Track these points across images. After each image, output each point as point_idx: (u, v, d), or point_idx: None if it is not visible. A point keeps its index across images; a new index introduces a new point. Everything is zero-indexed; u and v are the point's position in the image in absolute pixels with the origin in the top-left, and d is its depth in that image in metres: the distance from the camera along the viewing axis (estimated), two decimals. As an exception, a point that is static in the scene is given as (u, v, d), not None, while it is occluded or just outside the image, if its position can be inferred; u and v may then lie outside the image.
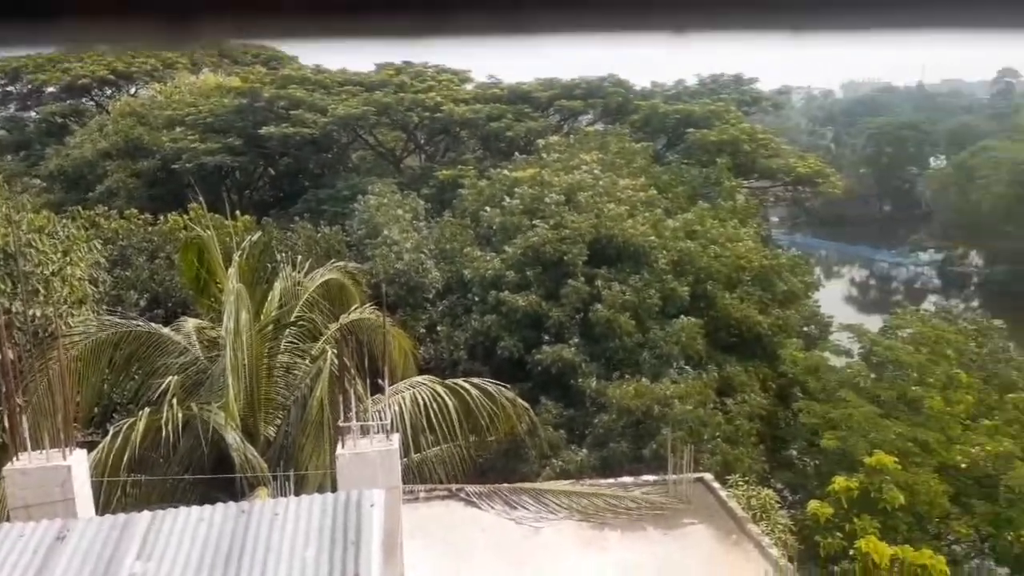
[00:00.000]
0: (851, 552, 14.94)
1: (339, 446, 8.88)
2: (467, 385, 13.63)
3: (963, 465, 17.37)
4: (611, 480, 13.95)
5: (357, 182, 36.71)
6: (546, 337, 22.41)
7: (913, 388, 19.54)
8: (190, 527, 6.55)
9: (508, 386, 14.44)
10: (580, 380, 21.05)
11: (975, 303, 65.24)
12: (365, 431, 8.94)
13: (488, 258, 25.22)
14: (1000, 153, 68.74)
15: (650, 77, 52.34)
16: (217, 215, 21.96)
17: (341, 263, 23.25)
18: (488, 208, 27.87)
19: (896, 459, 16.51)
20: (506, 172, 30.66)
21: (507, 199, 27.16)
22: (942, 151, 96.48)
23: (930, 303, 57.30)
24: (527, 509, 12.41)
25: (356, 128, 43.37)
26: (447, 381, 13.81)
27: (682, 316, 22.24)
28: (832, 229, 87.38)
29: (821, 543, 15.78)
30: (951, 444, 18.05)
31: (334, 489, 8.49)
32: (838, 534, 15.77)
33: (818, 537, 15.90)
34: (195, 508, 6.99)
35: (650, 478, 13.86)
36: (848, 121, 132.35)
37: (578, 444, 20.11)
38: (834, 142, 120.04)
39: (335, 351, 11.85)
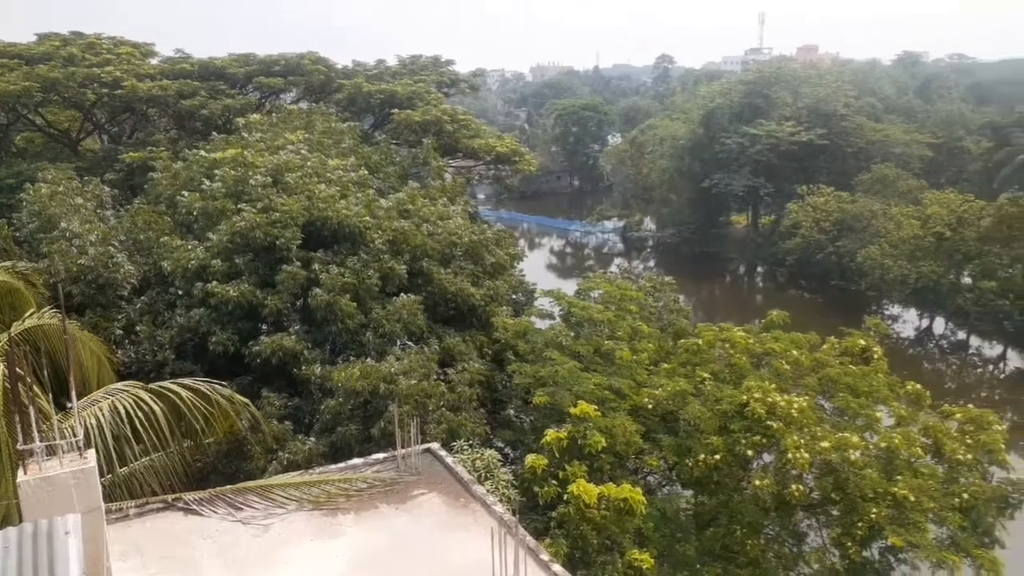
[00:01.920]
0: (565, 496, 16.54)
1: (20, 472, 7.80)
2: (176, 387, 12.68)
3: (650, 406, 19.90)
4: (341, 464, 13.87)
5: (24, 168, 31.98)
6: (264, 327, 21.46)
7: (606, 342, 21.92)
8: None
9: (224, 383, 13.68)
10: (304, 368, 20.51)
11: (651, 263, 74.60)
12: (52, 451, 7.93)
13: (190, 247, 23.43)
14: (661, 130, 78.78)
15: (350, 56, 51.90)
16: None
17: (8, 263, 20.20)
18: (186, 192, 25.84)
19: (596, 407, 18.49)
20: (203, 153, 28.65)
21: (207, 182, 25.39)
22: (618, 129, 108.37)
23: (615, 265, 64.48)
24: (254, 508, 11.91)
25: (17, 107, 37.62)
26: (152, 385, 12.70)
27: (402, 294, 22.61)
28: (532, 204, 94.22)
29: (539, 492, 17.24)
30: (639, 388, 20.57)
31: (21, 520, 7.45)
32: (553, 482, 17.33)
33: (536, 487, 17.33)
34: None
35: (380, 456, 14.01)
36: (538, 102, 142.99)
37: (306, 433, 19.66)
38: (528, 122, 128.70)
39: (5, 364, 10.35)
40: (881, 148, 67.25)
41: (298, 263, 22.13)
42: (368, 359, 20.37)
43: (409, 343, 22.13)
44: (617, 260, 73.85)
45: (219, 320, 21.60)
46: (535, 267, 56.16)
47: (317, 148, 29.26)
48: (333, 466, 14.01)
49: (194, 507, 11.95)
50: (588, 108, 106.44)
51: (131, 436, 11.93)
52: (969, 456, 18.66)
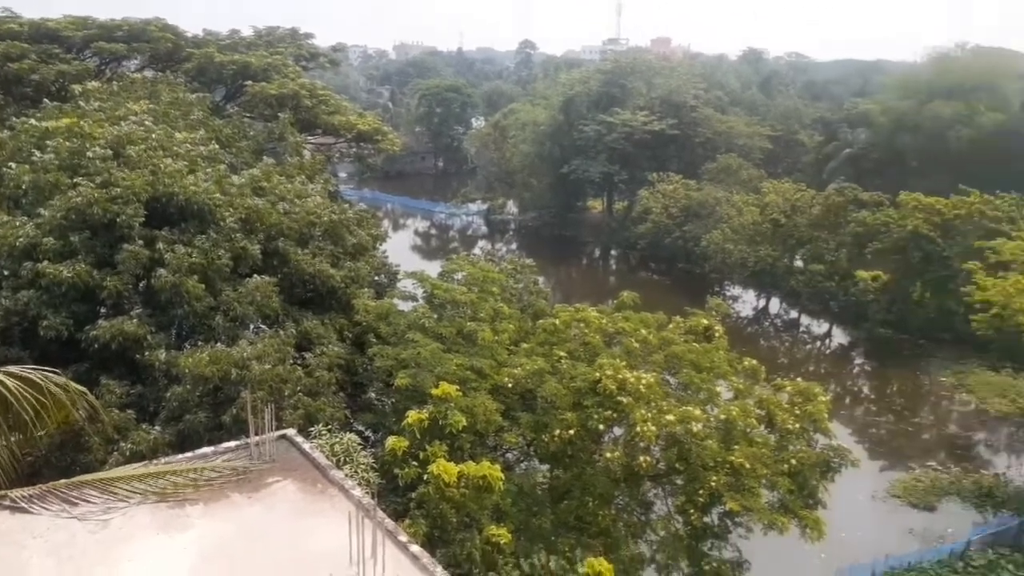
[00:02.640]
0: (425, 477, 16.67)
1: None
2: (1, 376, 11.66)
3: (509, 384, 20.37)
4: (189, 454, 13.26)
5: None
6: (102, 310, 20.06)
7: (468, 323, 22.17)
8: None
9: (58, 371, 12.72)
10: (147, 353, 19.37)
11: (514, 245, 75.83)
12: None
13: (18, 223, 21.46)
14: (524, 115, 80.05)
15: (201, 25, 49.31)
16: None
17: None
18: (14, 164, 23.60)
19: (458, 387, 18.71)
20: (34, 122, 26.24)
21: (38, 153, 23.31)
22: (481, 112, 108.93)
23: (479, 248, 65.09)
24: (92, 503, 11.19)
25: None
26: (-27, 374, 11.60)
27: (255, 275, 21.78)
28: (396, 184, 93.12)
29: (400, 474, 17.28)
30: (500, 368, 21.00)
31: None
32: (414, 463, 17.42)
33: (397, 469, 17.36)
34: None
35: (232, 444, 13.50)
36: (401, 80, 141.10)
37: (150, 422, 18.63)
38: (391, 101, 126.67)
39: None
40: (726, 139, 71.52)
41: (141, 242, 20.78)
42: (218, 344, 19.53)
43: (263, 327, 21.42)
44: (481, 242, 74.58)
45: (51, 303, 19.96)
46: (399, 248, 55.69)
47: (163, 120, 27.51)
48: (181, 456, 13.38)
49: (22, 504, 11.06)
50: (452, 90, 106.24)
51: (-53, 431, 10.88)
52: (797, 425, 20.41)
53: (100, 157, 22.63)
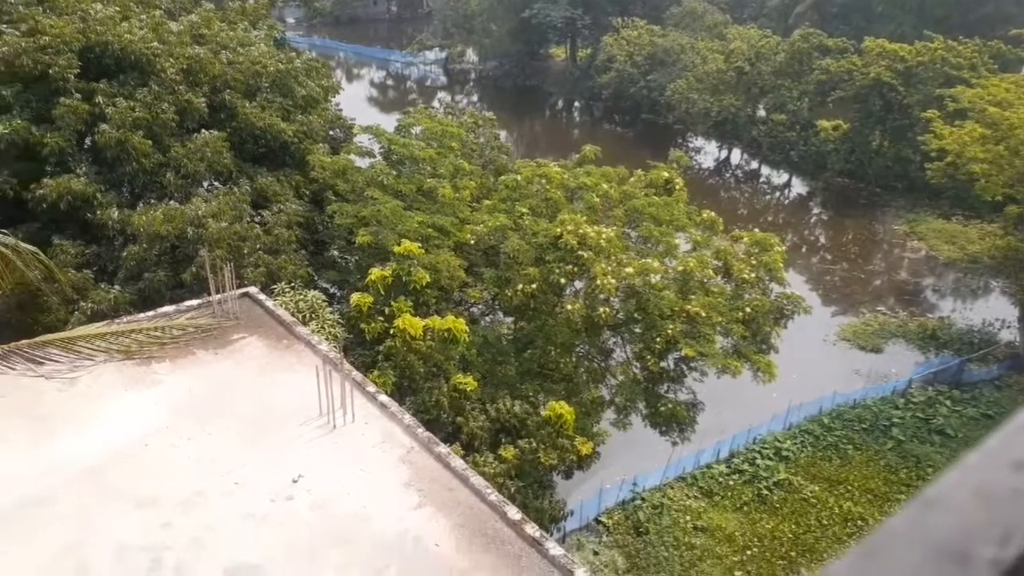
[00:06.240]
0: (391, 331, 16.95)
1: None
2: (-55, 238, 11.26)
3: (472, 241, 20.39)
4: (152, 312, 13.22)
5: None
6: (47, 168, 19.25)
7: (428, 180, 21.83)
8: None
9: (6, 232, 12.32)
10: (99, 212, 18.84)
11: (475, 97, 73.60)
12: None
13: (-59, 76, 20.08)
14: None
15: None
16: None
17: None
18: (-74, 11, 21.76)
19: (420, 244, 18.69)
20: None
21: (-48, -2, 21.46)
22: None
23: (438, 100, 63.06)
24: (57, 362, 11.19)
25: None
26: (-85, 237, 11.19)
27: (203, 130, 20.91)
28: (347, 30, 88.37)
29: (366, 329, 17.53)
30: (462, 225, 20.93)
31: None
32: (380, 318, 17.65)
33: (363, 324, 17.60)
34: None
35: (194, 303, 13.48)
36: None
37: (109, 282, 18.41)
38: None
39: None
40: (692, -19, 68.54)
41: (78, 95, 19.67)
42: (172, 201, 19.03)
43: (217, 184, 20.84)
44: (440, 94, 72.13)
45: (-9, 162, 19.09)
46: (354, 100, 53.55)
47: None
48: (143, 315, 13.34)
49: (-15, 366, 11.04)
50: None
51: None
52: (753, 275, 20.97)
53: (23, 2, 20.96)
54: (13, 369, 11.11)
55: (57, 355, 11.48)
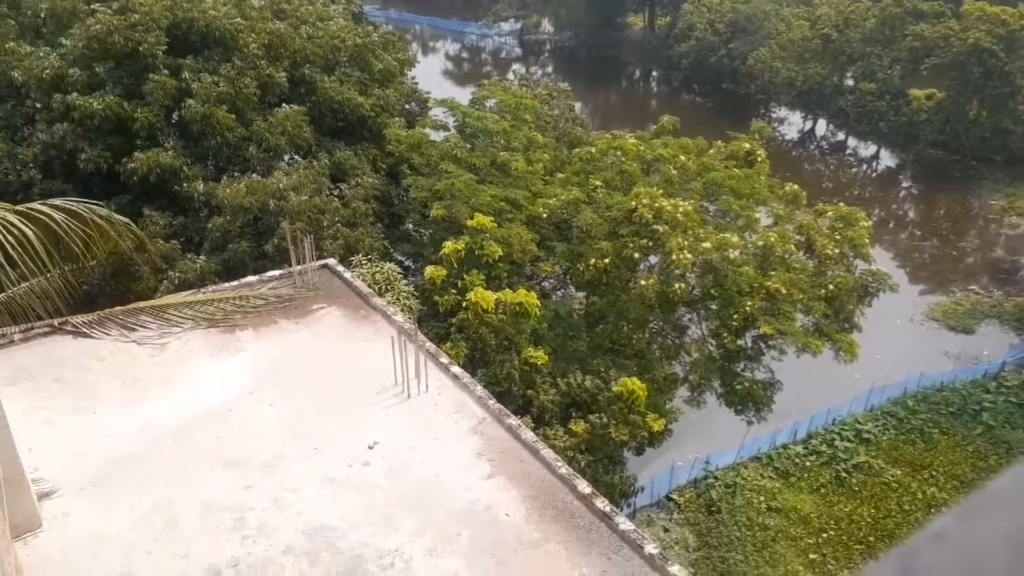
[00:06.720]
0: (464, 304, 17.09)
1: None
2: (47, 209, 11.85)
3: (545, 215, 20.30)
4: (235, 282, 13.65)
5: None
6: (138, 142, 20.07)
7: (501, 154, 21.79)
8: None
9: (101, 203, 12.91)
10: (186, 185, 19.55)
11: (549, 68, 72.90)
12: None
13: (42, 54, 21.09)
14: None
15: None
16: None
17: None
18: (28, -10, 22.89)
19: (493, 218, 18.72)
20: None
21: (51, -22, 22.48)
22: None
23: (512, 72, 62.72)
24: (148, 328, 11.72)
25: None
26: (19, 207, 11.83)
27: (284, 104, 21.38)
28: (423, 3, 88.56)
29: (439, 301, 17.74)
30: (535, 198, 20.85)
31: None
32: (452, 291, 17.83)
33: (436, 297, 17.80)
34: None
35: (276, 273, 13.84)
36: None
37: (195, 252, 19.14)
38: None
39: None
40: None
41: (166, 71, 20.36)
42: (254, 175, 19.58)
43: (297, 157, 21.32)
44: (514, 66, 71.72)
45: (86, 136, 20.01)
46: (429, 74, 53.87)
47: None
48: (227, 284, 13.79)
49: (83, 330, 11.65)
50: None
51: (3, 262, 11.28)
52: (836, 251, 20.25)
53: (116, -19, 21.72)
54: (108, 335, 11.71)
55: (148, 321, 12.03)
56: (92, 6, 21.02)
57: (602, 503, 8.80)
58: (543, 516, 8.67)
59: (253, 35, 21.56)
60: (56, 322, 11.78)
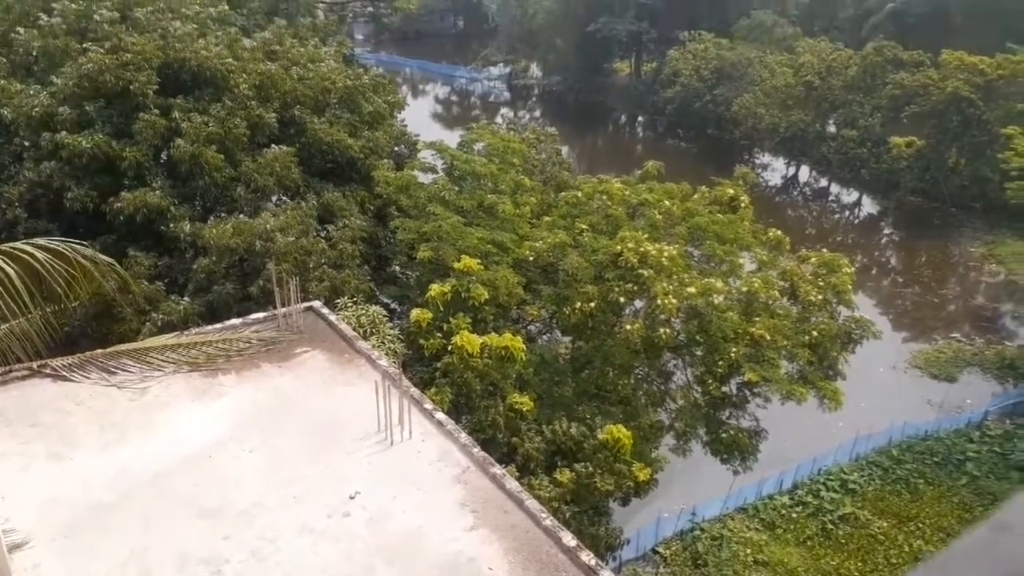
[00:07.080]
0: (449, 347, 17.02)
1: None
2: (29, 248, 11.78)
3: (531, 258, 20.37)
4: (219, 325, 13.55)
5: None
6: (125, 182, 20.04)
7: (489, 196, 21.93)
8: None
9: (86, 243, 12.84)
10: (172, 225, 19.51)
11: (537, 112, 73.85)
12: None
13: (32, 92, 21.16)
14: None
15: None
16: None
17: None
18: (22, 29, 23.02)
19: (479, 261, 18.76)
20: (37, -18, 25.29)
21: (45, 17, 22.66)
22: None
23: (501, 116, 63.49)
24: (129, 372, 11.59)
25: None
26: (2, 246, 11.75)
27: (273, 145, 21.49)
28: (414, 46, 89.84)
29: (424, 345, 17.66)
30: (521, 241, 20.94)
31: None
32: (438, 334, 17.75)
33: (421, 340, 17.73)
34: None
35: (260, 315, 13.77)
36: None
37: (179, 293, 19.01)
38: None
39: None
40: (762, -7, 67.60)
41: (156, 111, 20.46)
42: (241, 215, 19.57)
43: (285, 198, 21.35)
44: (503, 109, 72.65)
45: (73, 174, 19.98)
46: (418, 116, 54.35)
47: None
48: (211, 327, 13.68)
49: (63, 373, 11.49)
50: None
51: (-17, 302, 11.13)
52: (820, 297, 20.39)
53: (107, 20, 21.94)
54: (88, 378, 11.56)
55: (130, 365, 11.89)
56: (85, 45, 21.16)
57: (587, 556, 8.69)
58: (527, 570, 8.54)
59: (244, 75, 21.74)
60: (35, 365, 11.62)
